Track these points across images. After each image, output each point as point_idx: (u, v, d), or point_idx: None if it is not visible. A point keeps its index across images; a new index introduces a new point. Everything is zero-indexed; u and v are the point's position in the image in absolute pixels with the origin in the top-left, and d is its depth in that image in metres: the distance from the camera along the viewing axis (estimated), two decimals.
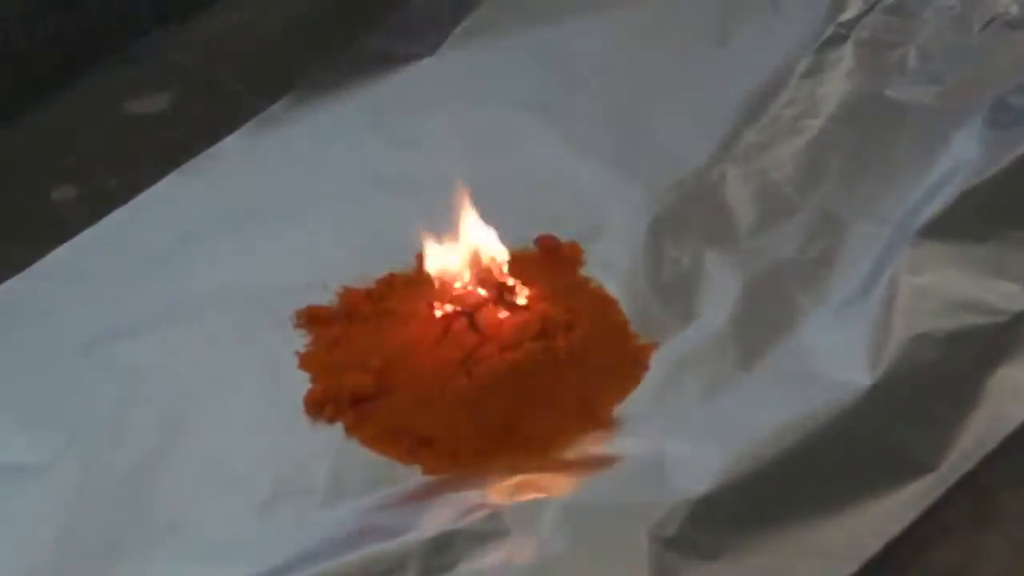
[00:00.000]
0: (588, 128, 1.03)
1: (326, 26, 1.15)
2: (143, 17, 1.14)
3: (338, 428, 0.87)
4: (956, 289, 0.88)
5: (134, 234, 1.00)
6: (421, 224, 0.90)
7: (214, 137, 1.05)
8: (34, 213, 1.03)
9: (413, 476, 0.84)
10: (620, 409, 0.86)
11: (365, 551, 0.78)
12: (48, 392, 0.90)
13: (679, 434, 0.83)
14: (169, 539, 0.82)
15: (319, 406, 0.87)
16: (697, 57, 1.08)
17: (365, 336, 0.90)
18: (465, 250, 0.89)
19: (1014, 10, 1.07)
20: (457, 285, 0.89)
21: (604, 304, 0.92)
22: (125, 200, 1.02)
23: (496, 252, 0.89)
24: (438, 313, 0.88)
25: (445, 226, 0.89)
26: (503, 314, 0.87)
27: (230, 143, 1.05)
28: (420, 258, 0.92)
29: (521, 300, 0.88)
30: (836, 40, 1.07)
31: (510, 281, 0.89)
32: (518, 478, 0.82)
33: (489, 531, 0.79)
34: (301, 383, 0.89)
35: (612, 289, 0.92)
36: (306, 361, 0.90)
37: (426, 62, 1.10)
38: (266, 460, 0.85)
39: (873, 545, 0.78)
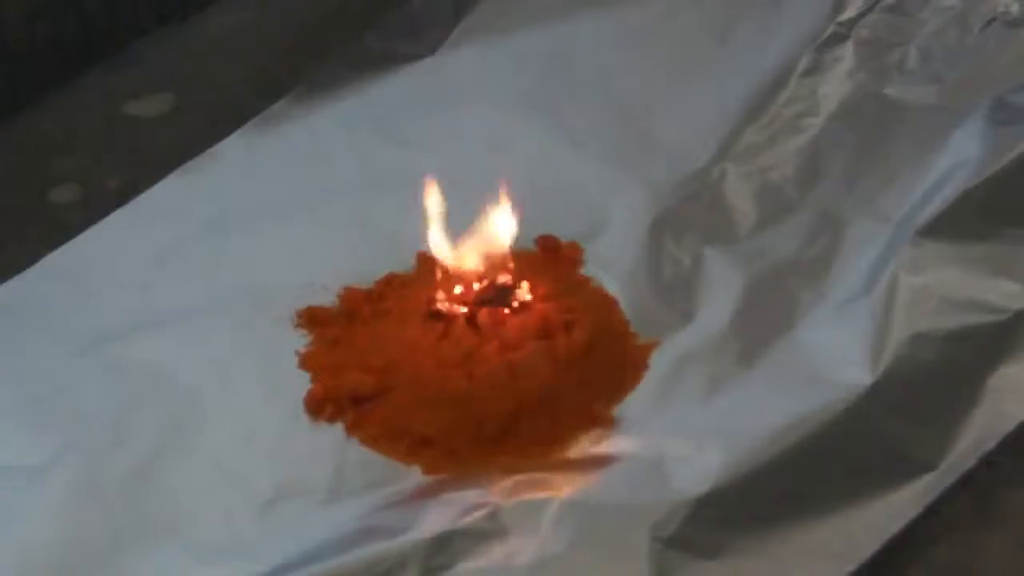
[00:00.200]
0: (588, 128, 1.03)
1: (326, 26, 1.15)
2: (143, 17, 1.14)
3: (338, 428, 0.86)
4: (956, 288, 0.88)
5: (134, 234, 0.99)
6: (421, 224, 0.90)
7: (214, 137, 1.05)
8: (34, 213, 1.03)
9: (413, 476, 0.84)
10: (620, 409, 0.86)
11: (365, 551, 0.79)
12: (48, 392, 0.89)
13: (679, 434, 0.83)
14: (169, 539, 0.82)
15: (319, 406, 0.87)
16: (698, 56, 1.08)
17: (365, 336, 0.90)
18: (466, 249, 0.89)
19: (1014, 10, 1.06)
20: (457, 287, 0.89)
21: (604, 304, 0.91)
22: (125, 200, 1.01)
23: (498, 251, 0.89)
24: (438, 313, 0.88)
25: (448, 225, 0.90)
26: (503, 314, 0.87)
27: (230, 143, 1.05)
28: (420, 258, 0.92)
29: (521, 300, 0.88)
30: (836, 39, 1.06)
31: (510, 280, 0.89)
32: (518, 478, 0.82)
33: (489, 530, 0.79)
34: (301, 383, 0.89)
35: (612, 289, 0.92)
36: (306, 361, 0.90)
37: (426, 62, 1.09)
38: (266, 460, 0.85)
39: (873, 544, 0.78)
